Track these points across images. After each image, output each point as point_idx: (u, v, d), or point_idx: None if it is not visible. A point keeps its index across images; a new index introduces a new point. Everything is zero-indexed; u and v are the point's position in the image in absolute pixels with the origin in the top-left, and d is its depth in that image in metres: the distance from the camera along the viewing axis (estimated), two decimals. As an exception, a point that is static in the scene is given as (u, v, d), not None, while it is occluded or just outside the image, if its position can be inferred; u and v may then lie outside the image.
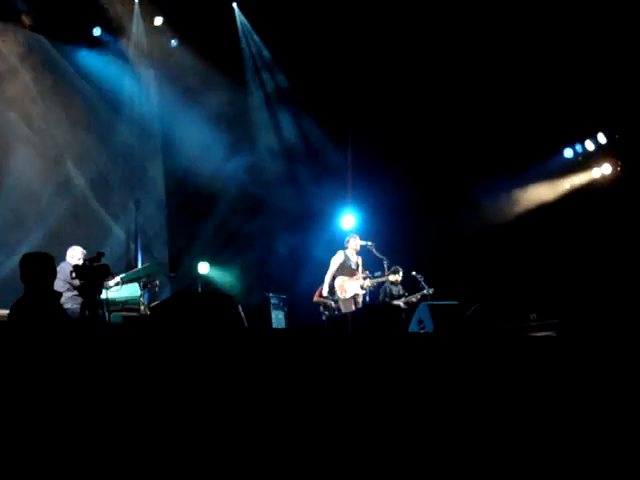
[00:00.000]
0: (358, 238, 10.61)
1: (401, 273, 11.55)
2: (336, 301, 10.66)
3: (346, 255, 10.47)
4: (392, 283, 11.31)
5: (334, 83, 12.48)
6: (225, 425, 4.77)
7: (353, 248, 10.52)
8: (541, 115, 12.47)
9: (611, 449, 6.20)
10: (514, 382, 6.29)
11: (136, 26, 12.25)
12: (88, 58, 11.91)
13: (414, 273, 11.28)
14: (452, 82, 12.55)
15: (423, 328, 8.09)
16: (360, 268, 10.52)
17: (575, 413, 6.37)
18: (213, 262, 12.50)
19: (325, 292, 10.51)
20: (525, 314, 11.03)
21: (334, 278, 10.45)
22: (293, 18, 12.11)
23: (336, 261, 10.42)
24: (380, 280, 10.74)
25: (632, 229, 12.15)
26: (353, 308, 10.12)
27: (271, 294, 12.01)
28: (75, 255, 8.49)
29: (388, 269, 10.74)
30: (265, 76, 13.79)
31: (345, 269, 10.40)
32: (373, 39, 12.12)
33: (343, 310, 10.19)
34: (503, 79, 12.25)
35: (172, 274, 11.88)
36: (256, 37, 13.49)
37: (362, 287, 10.44)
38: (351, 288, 10.35)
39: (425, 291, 11.14)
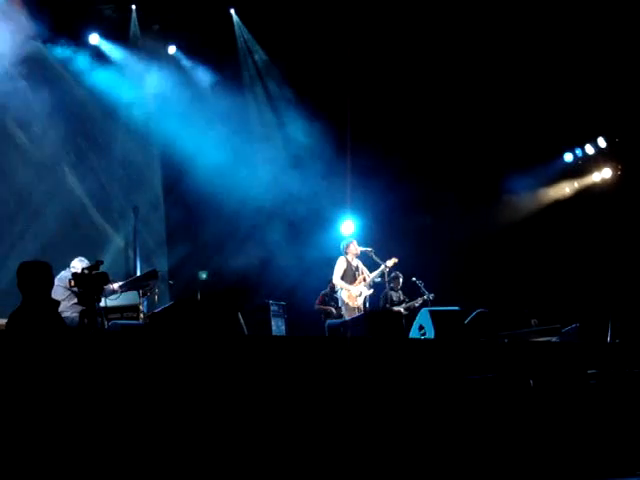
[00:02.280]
0: (356, 243, 10.54)
1: (400, 282, 11.51)
2: (338, 307, 10.60)
3: (347, 261, 10.41)
4: (392, 289, 11.27)
5: (333, 87, 12.45)
6: (225, 432, 4.73)
7: (353, 253, 10.44)
8: (541, 119, 12.46)
9: (611, 451, 6.18)
10: (514, 387, 6.27)
11: (134, 32, 12.24)
12: (85, 64, 11.88)
13: (414, 279, 11.24)
14: (452, 87, 12.54)
15: (424, 334, 8.07)
16: (361, 270, 10.44)
17: (574, 417, 6.35)
18: (212, 270, 12.45)
19: (340, 281, 10.27)
20: (526, 319, 11.00)
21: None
22: (291, 22, 12.09)
23: (340, 267, 10.35)
24: (380, 271, 10.43)
25: (633, 233, 12.13)
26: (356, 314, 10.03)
27: (271, 301, 11.94)
28: (79, 266, 8.38)
29: (388, 275, 10.66)
30: (263, 81, 13.77)
31: (348, 275, 10.33)
32: (375, 40, 12.12)
33: (346, 317, 10.09)
34: (504, 83, 12.24)
35: (171, 282, 11.82)
36: (254, 42, 13.47)
37: (368, 286, 10.34)
38: (359, 294, 10.25)
39: (426, 297, 11.10)
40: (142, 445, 4.38)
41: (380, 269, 10.38)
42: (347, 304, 10.22)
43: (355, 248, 10.45)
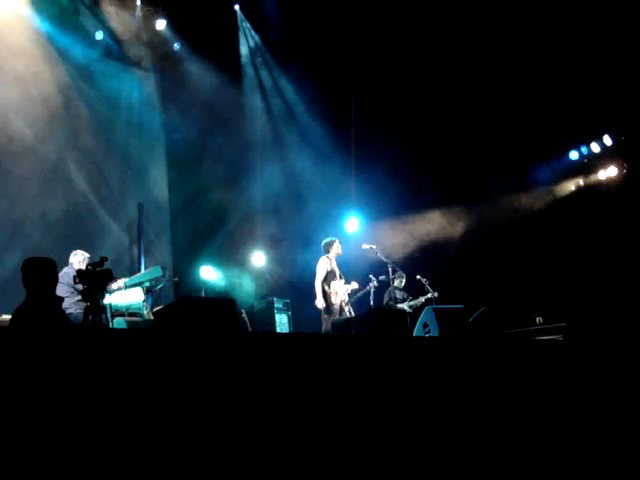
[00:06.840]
0: (338, 242, 10.04)
1: (404, 281, 11.47)
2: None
3: (330, 260, 9.90)
4: (396, 287, 11.25)
5: (337, 85, 12.44)
6: (229, 430, 4.72)
7: (336, 252, 9.96)
8: (547, 117, 12.42)
9: (613, 451, 6.16)
10: (519, 385, 6.26)
11: (138, 29, 12.23)
12: (90, 61, 11.87)
13: (419, 277, 11.21)
14: (458, 85, 12.52)
15: (428, 332, 8.05)
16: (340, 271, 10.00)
17: (579, 416, 6.33)
18: (217, 266, 12.45)
19: (320, 302, 9.69)
20: (531, 317, 10.99)
21: (326, 285, 9.85)
22: (295, 20, 12.08)
23: (322, 267, 9.79)
24: (365, 291, 10.22)
25: (638, 231, 12.08)
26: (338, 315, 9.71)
27: (275, 298, 11.94)
28: (78, 260, 8.43)
29: (392, 272, 10.64)
30: (267, 79, 13.76)
31: (330, 276, 9.83)
32: (378, 39, 12.10)
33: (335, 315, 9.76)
34: (509, 80, 12.21)
35: (176, 279, 11.82)
36: (258, 39, 13.47)
37: (348, 293, 9.94)
38: (340, 290, 9.81)
39: (430, 295, 11.07)
40: (144, 443, 4.37)
41: (367, 288, 10.18)
42: (330, 302, 9.72)
43: (338, 247, 9.98)
